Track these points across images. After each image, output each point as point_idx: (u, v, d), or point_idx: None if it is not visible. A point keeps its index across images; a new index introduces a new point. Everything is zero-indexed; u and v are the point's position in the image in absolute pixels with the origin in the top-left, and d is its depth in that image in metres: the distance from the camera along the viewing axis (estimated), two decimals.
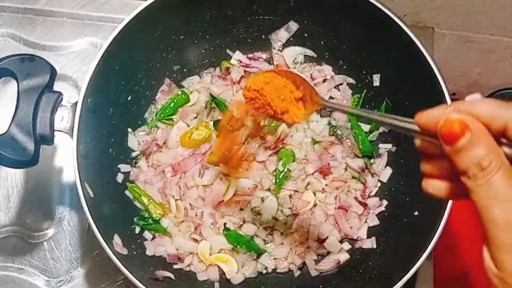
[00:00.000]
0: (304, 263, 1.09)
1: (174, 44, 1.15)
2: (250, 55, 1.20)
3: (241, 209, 1.10)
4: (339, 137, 1.15)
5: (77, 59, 1.26)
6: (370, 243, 1.08)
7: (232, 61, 1.19)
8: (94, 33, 1.27)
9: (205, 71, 1.20)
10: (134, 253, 1.02)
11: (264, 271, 1.08)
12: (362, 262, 1.07)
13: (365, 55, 1.14)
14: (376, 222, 1.10)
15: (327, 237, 1.09)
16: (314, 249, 1.09)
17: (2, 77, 0.95)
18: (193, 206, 1.10)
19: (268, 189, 1.11)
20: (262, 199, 1.10)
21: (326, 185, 1.12)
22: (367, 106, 1.17)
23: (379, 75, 1.14)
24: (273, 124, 1.13)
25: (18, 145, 0.91)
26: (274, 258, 1.09)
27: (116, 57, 1.02)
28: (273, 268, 1.09)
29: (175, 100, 1.15)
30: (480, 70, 1.43)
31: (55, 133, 0.94)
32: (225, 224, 1.09)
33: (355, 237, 1.09)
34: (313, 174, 1.12)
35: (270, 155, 1.12)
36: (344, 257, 1.08)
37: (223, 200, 1.08)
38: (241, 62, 1.18)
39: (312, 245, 1.09)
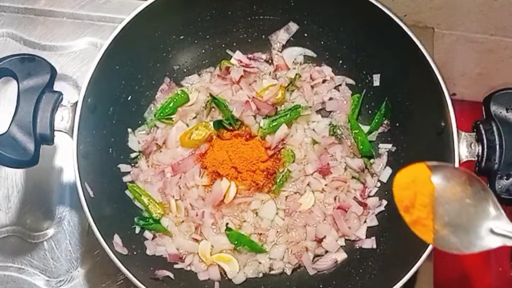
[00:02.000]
0: (301, 263, 1.09)
1: (174, 44, 1.15)
2: (250, 56, 1.20)
3: (242, 211, 1.10)
4: (339, 137, 1.15)
5: (77, 59, 1.26)
6: (370, 243, 1.08)
7: (232, 61, 1.19)
8: (94, 33, 1.27)
9: (204, 71, 1.20)
10: (134, 253, 1.02)
11: (264, 271, 1.08)
12: (362, 262, 1.07)
13: (365, 55, 1.14)
14: (375, 222, 1.10)
15: (325, 236, 1.09)
16: (312, 249, 1.09)
17: (2, 77, 0.96)
18: (193, 206, 1.09)
19: (268, 191, 1.11)
20: (262, 201, 1.10)
21: (325, 185, 1.12)
22: (367, 106, 1.17)
23: (379, 75, 1.14)
24: (274, 124, 1.12)
25: (18, 145, 0.91)
26: (273, 258, 1.08)
27: (116, 57, 1.02)
28: (272, 268, 1.08)
29: (175, 100, 1.15)
30: (480, 70, 1.43)
31: (55, 133, 0.94)
32: (227, 224, 1.08)
33: (353, 238, 1.09)
34: (312, 174, 1.12)
35: None
36: (341, 256, 1.08)
37: (223, 201, 1.08)
38: (241, 62, 1.18)
39: (310, 245, 1.09)
